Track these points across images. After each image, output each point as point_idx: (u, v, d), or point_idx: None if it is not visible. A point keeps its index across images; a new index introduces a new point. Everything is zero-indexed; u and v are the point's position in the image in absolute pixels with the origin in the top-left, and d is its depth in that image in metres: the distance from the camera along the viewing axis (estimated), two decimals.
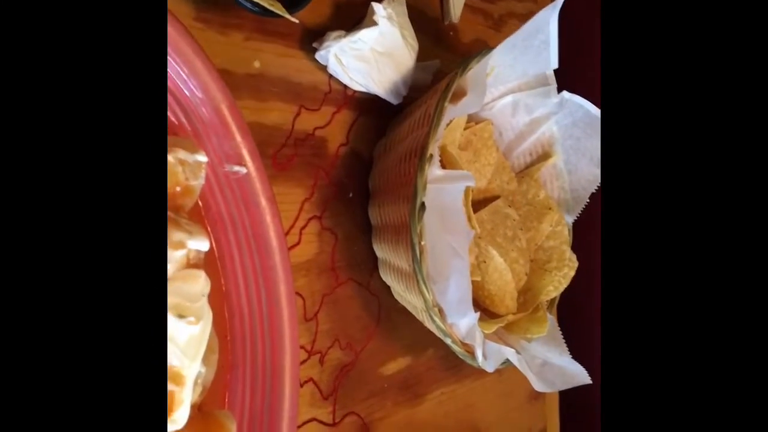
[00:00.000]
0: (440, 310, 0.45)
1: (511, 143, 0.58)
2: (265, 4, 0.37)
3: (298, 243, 0.45)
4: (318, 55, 0.46)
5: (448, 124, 0.48)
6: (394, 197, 0.47)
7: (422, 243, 0.44)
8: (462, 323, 0.46)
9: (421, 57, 0.52)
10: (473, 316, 0.44)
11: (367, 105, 0.50)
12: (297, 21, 0.40)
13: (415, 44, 0.50)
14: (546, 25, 0.47)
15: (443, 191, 0.44)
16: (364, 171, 0.50)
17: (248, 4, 0.37)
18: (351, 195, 0.49)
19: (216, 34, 0.41)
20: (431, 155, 0.44)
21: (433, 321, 0.45)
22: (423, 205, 0.44)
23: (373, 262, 0.51)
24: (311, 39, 0.46)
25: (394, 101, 0.50)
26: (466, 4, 0.58)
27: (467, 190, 0.49)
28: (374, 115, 0.51)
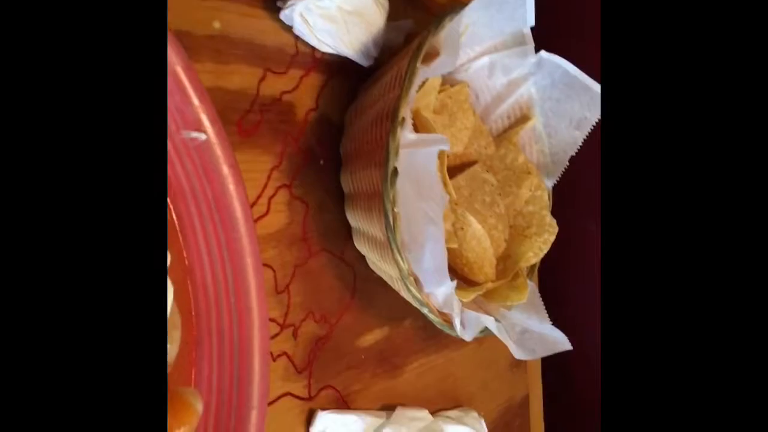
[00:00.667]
0: (416, 279, 0.43)
1: (488, 106, 0.56)
2: None
3: (266, 213, 0.43)
4: (282, 15, 0.43)
5: (420, 86, 0.46)
6: (366, 163, 0.45)
7: (395, 210, 0.42)
8: (439, 292, 0.44)
9: (393, 16, 0.49)
10: (450, 285, 0.43)
11: (337, 68, 0.48)
12: None
13: (386, 2, 0.47)
14: None
15: (416, 155, 0.42)
16: (335, 137, 0.48)
17: None
18: (322, 162, 0.47)
19: None
20: (403, 118, 0.42)
21: (409, 290, 0.44)
22: (395, 170, 0.42)
23: (346, 232, 0.49)
24: None
25: (364, 63, 0.47)
26: None
27: (442, 154, 0.47)
28: (344, 78, 0.48)
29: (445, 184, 0.47)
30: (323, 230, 0.47)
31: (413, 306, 0.47)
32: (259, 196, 0.43)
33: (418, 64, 0.43)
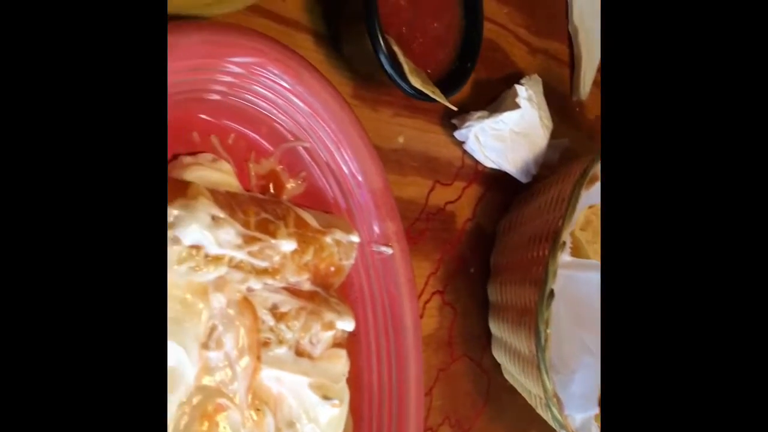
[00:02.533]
0: (558, 401, 0.44)
1: None
2: (428, 91, 0.38)
3: (420, 317, 0.45)
4: (457, 133, 0.46)
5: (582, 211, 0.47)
6: (519, 278, 0.47)
7: (548, 331, 0.43)
8: (578, 415, 0.45)
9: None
10: (594, 411, 0.43)
11: (495, 180, 0.50)
12: (456, 108, 0.41)
13: (550, 124, 0.49)
14: None
15: (575, 280, 0.44)
16: (485, 246, 0.50)
17: (408, 89, 0.38)
18: (472, 270, 0.49)
19: (368, 110, 0.41)
20: (564, 242, 0.44)
21: (550, 410, 0.44)
22: (552, 292, 0.43)
23: (486, 339, 0.50)
24: (450, 115, 0.46)
25: (523, 180, 0.49)
26: (596, 81, 0.58)
27: None
28: (500, 191, 0.51)
29: None
30: (466, 336, 0.49)
31: (539, 418, 0.47)
32: None
33: (582, 191, 0.44)
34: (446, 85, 0.40)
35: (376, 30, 0.36)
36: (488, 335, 0.50)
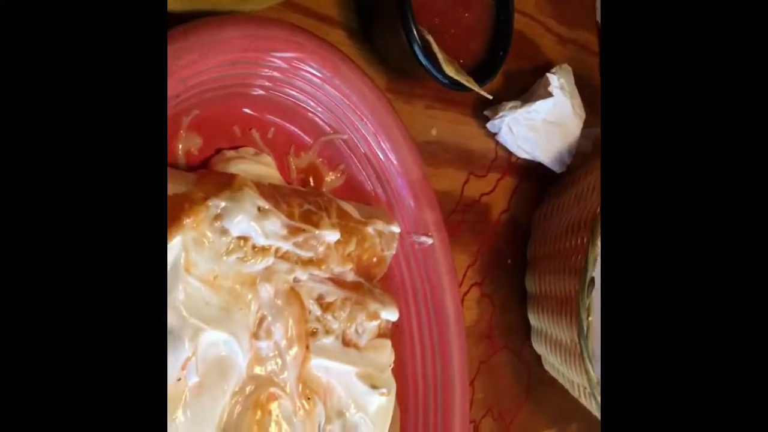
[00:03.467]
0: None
1: None
2: (462, 80, 0.38)
3: None
4: (490, 124, 0.46)
5: None
6: (558, 268, 0.47)
7: (590, 319, 0.43)
8: None
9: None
10: None
11: (528, 171, 0.50)
12: (491, 97, 0.41)
13: (583, 113, 0.49)
14: None
15: None
16: (521, 238, 0.50)
17: (443, 79, 0.38)
18: (509, 261, 0.49)
19: (403, 103, 0.41)
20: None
21: (594, 399, 0.44)
22: (593, 279, 0.43)
23: (525, 331, 0.50)
24: (482, 107, 0.46)
25: (557, 170, 0.49)
26: None
27: None
28: (534, 181, 0.50)
29: None
30: (505, 328, 0.48)
31: (581, 409, 0.47)
32: None
33: None
34: (479, 75, 0.40)
35: (410, 22, 0.36)
36: (527, 327, 0.50)
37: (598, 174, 0.46)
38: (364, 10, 0.40)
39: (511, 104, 0.46)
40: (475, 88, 0.39)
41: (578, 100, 0.49)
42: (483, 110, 0.47)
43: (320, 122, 0.35)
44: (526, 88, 0.49)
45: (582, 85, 0.54)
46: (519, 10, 0.48)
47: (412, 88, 0.42)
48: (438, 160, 0.44)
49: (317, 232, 0.32)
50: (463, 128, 0.46)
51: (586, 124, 0.51)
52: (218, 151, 0.32)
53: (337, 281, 0.34)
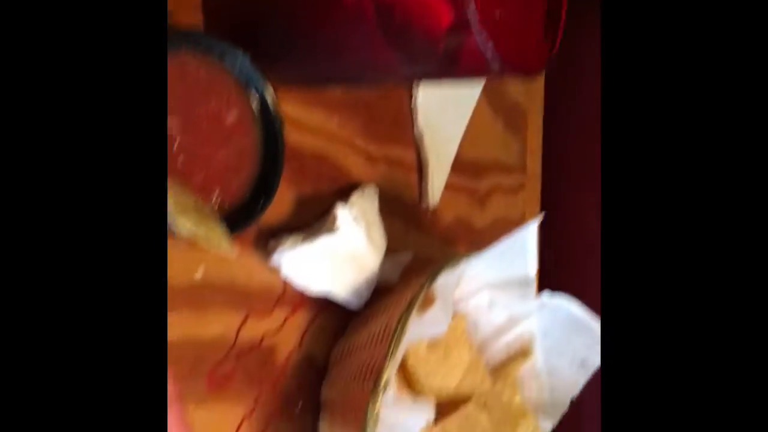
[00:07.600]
0: None
1: (487, 338, 0.54)
2: (200, 237, 0.33)
3: None
4: (272, 258, 0.42)
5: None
6: (345, 419, 0.42)
7: None
8: None
9: (394, 244, 0.48)
10: None
11: (327, 303, 0.46)
12: (234, 254, 0.37)
13: (383, 244, 0.46)
14: (524, 241, 0.45)
15: (397, 426, 0.39)
16: (317, 379, 0.45)
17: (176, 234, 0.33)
18: (299, 408, 0.44)
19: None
20: (386, 382, 0.39)
21: None
22: None
23: None
24: (267, 236, 0.42)
25: (353, 306, 0.45)
26: (448, 185, 0.55)
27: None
28: (334, 313, 0.46)
29: None
30: None
31: None
32: None
33: (408, 325, 0.41)
34: (239, 218, 0.36)
35: None
36: None
37: (392, 312, 0.43)
38: None
39: (291, 239, 0.42)
40: (217, 245, 0.34)
41: (379, 228, 0.46)
42: (267, 239, 0.42)
43: None
44: (325, 211, 0.46)
45: (397, 203, 0.51)
46: (316, 130, 0.45)
47: None
48: (205, 304, 0.39)
49: None
50: (240, 263, 0.41)
51: (397, 244, 0.48)
52: None
53: None
